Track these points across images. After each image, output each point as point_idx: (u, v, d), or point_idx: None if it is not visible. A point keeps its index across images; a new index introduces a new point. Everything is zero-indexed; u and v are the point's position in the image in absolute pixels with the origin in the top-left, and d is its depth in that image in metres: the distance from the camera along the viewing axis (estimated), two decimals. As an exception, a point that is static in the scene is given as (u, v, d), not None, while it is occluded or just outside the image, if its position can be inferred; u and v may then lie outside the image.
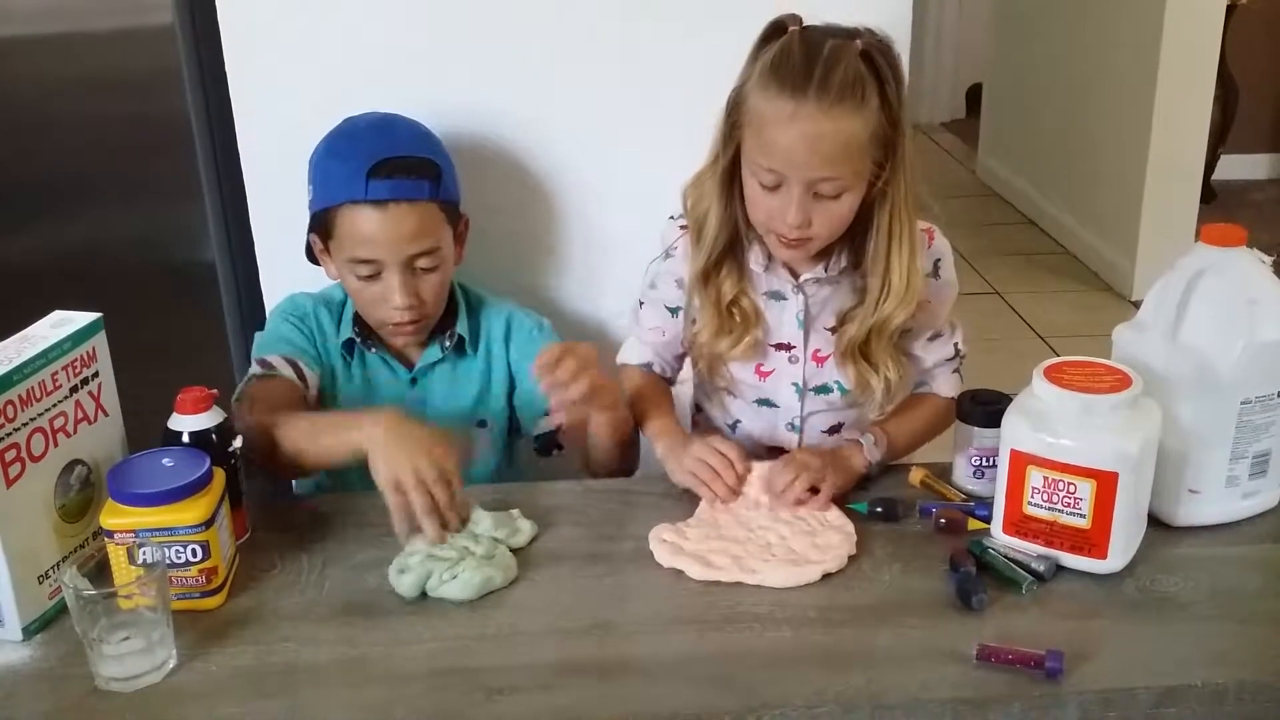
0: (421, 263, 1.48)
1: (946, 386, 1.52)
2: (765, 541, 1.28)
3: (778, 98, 1.28)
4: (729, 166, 1.37)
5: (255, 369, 1.51)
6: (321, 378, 1.54)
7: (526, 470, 1.65)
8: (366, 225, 1.45)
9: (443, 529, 1.25)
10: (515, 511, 1.31)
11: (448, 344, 1.58)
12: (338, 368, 1.58)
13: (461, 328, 1.59)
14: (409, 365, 1.59)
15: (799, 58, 1.28)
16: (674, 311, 1.51)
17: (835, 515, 1.32)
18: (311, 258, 1.58)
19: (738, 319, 1.44)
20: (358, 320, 1.56)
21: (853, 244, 1.41)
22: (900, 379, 1.46)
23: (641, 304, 1.55)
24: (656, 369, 1.55)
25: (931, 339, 1.50)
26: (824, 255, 1.43)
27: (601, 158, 1.74)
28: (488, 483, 1.51)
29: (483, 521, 1.28)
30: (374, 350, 1.57)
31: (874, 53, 1.29)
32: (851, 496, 1.37)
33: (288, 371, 1.49)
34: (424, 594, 1.20)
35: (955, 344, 1.52)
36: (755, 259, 1.43)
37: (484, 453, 1.62)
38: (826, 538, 1.28)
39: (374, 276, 1.48)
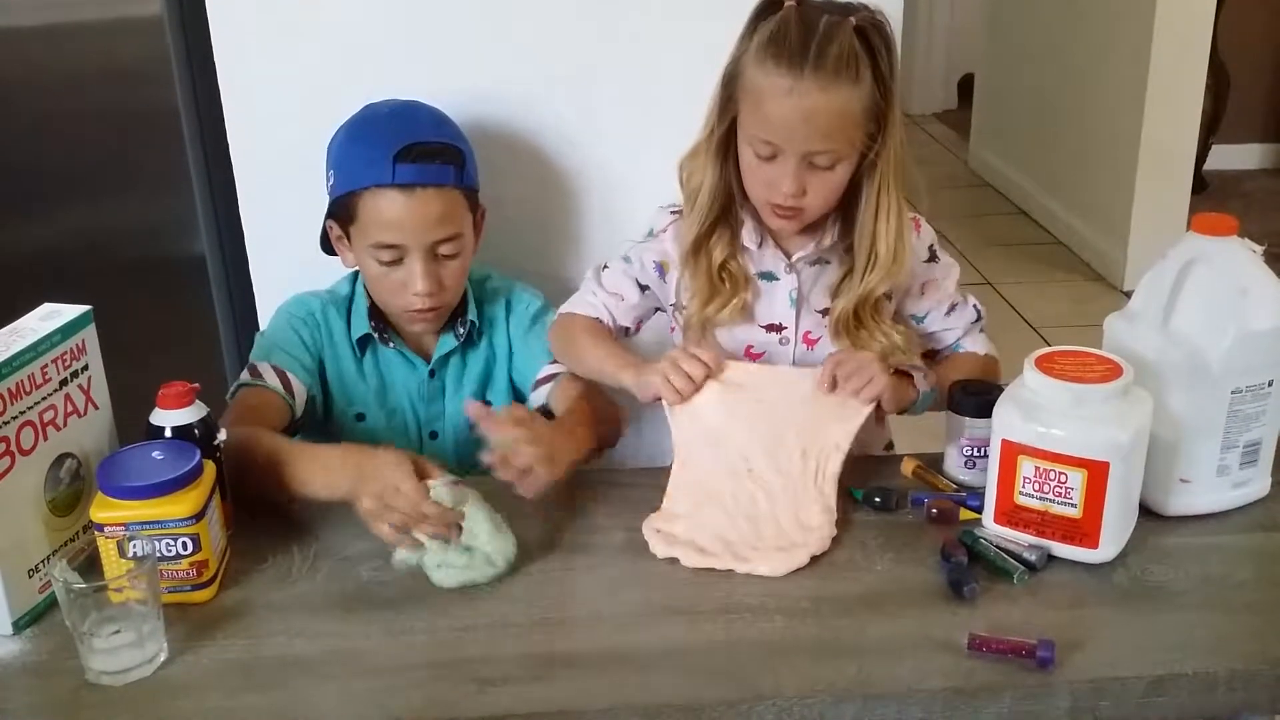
0: (444, 249, 1.48)
1: (978, 346, 1.55)
2: (753, 514, 1.27)
3: (775, 73, 1.31)
4: (724, 137, 1.40)
5: (245, 376, 1.50)
6: (312, 386, 1.53)
7: None
8: (392, 210, 1.45)
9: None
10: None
11: (461, 331, 1.58)
12: (347, 367, 1.57)
13: (473, 314, 1.59)
14: (426, 357, 1.59)
15: (796, 33, 1.31)
16: (643, 289, 1.52)
17: (828, 487, 1.30)
18: (327, 247, 1.57)
19: (727, 284, 1.45)
20: (373, 314, 1.56)
21: (843, 219, 1.44)
22: (903, 345, 1.46)
23: (606, 267, 1.55)
24: (604, 324, 1.53)
25: (949, 311, 1.53)
26: (815, 231, 1.45)
27: (624, 144, 1.73)
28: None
29: (480, 534, 1.24)
30: (391, 345, 1.57)
31: (868, 29, 1.32)
32: (849, 483, 1.36)
33: (274, 383, 1.48)
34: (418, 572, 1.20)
35: (974, 304, 1.55)
36: (749, 236, 1.46)
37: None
38: (809, 512, 1.28)
39: (396, 263, 1.48)
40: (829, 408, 1.35)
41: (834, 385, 1.34)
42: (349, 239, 1.52)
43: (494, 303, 1.63)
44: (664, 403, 1.36)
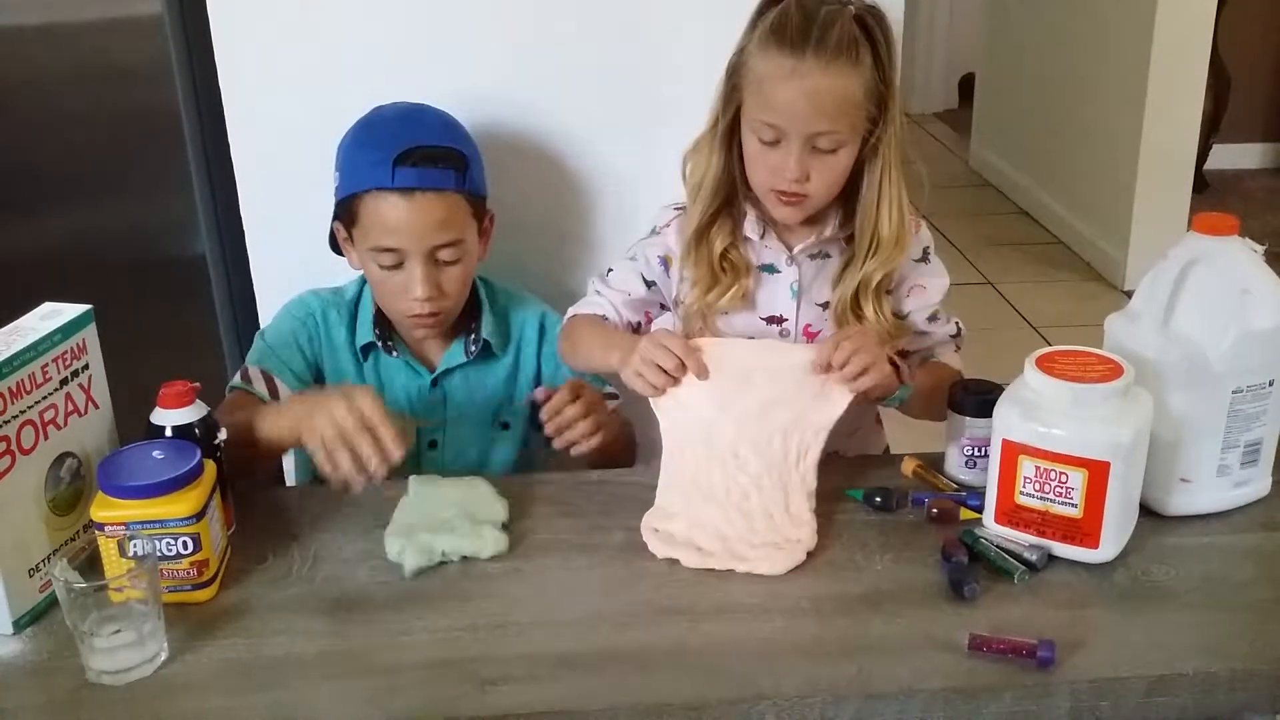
0: (444, 254, 1.48)
1: (952, 361, 1.55)
2: (746, 508, 1.27)
3: (778, 56, 1.35)
4: (728, 128, 1.43)
5: (236, 379, 1.51)
6: (308, 388, 1.53)
7: (541, 469, 1.64)
8: (391, 213, 1.45)
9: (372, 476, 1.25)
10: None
11: (473, 348, 1.58)
12: (346, 370, 1.57)
13: (487, 330, 1.58)
14: (430, 367, 1.58)
15: (797, 20, 1.35)
16: (649, 285, 1.53)
17: (810, 475, 1.30)
18: (335, 247, 1.57)
19: (728, 272, 1.47)
20: (378, 321, 1.56)
21: (844, 211, 1.46)
22: (897, 331, 1.47)
23: (611, 270, 1.56)
24: (609, 322, 1.53)
25: (931, 319, 1.53)
26: (816, 224, 1.46)
27: (632, 147, 1.73)
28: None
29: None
30: (395, 354, 1.57)
31: (866, 16, 1.37)
32: (848, 485, 1.36)
33: (261, 390, 1.49)
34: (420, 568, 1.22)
35: (956, 321, 1.55)
36: (751, 227, 1.47)
37: (503, 452, 1.61)
38: (797, 501, 1.28)
39: (396, 266, 1.48)
40: (814, 385, 1.33)
41: (828, 369, 1.32)
42: (353, 241, 1.52)
43: (523, 320, 1.62)
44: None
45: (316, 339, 1.56)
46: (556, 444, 1.41)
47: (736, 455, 1.31)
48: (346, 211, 1.50)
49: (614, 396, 1.62)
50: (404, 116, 1.52)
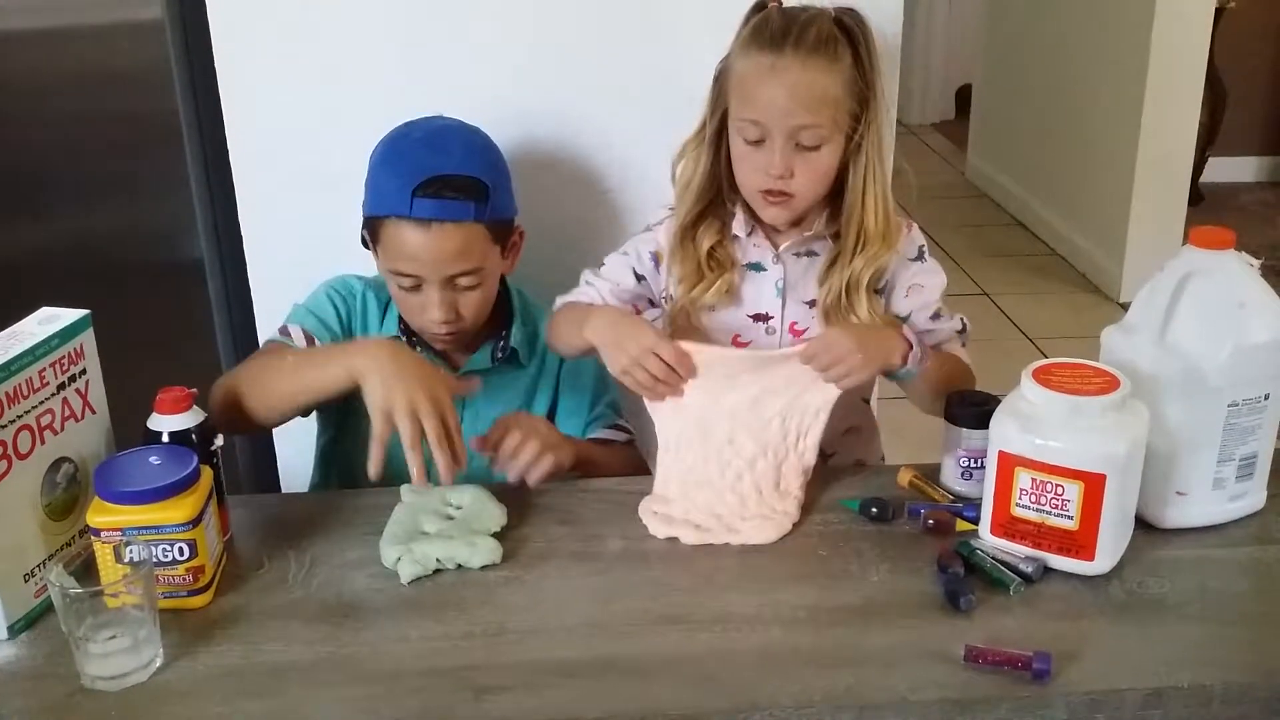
0: (462, 281, 1.48)
1: (959, 354, 1.54)
2: (738, 488, 1.32)
3: (758, 55, 1.39)
4: (715, 132, 1.46)
5: (275, 334, 1.52)
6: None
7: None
8: (409, 241, 1.45)
9: (424, 468, 1.25)
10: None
11: (500, 355, 1.58)
12: None
13: (516, 339, 1.58)
14: (453, 365, 1.58)
15: (777, 22, 1.40)
16: (639, 279, 1.55)
17: (810, 454, 1.34)
18: (367, 247, 1.57)
19: (714, 268, 1.48)
20: (404, 318, 1.56)
21: (830, 210, 1.48)
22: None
23: (603, 264, 1.57)
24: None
25: (934, 317, 1.53)
26: (802, 222, 1.49)
27: (637, 150, 1.73)
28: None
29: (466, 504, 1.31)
30: (419, 349, 1.56)
31: (845, 17, 1.41)
32: (845, 494, 1.37)
33: (300, 346, 1.49)
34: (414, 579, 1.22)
35: (960, 318, 1.56)
36: (739, 225, 1.49)
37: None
38: (789, 478, 1.33)
39: (415, 289, 1.48)
40: (805, 376, 1.35)
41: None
42: (377, 255, 1.53)
43: None
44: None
45: (355, 319, 1.57)
46: (511, 478, 1.38)
47: (732, 442, 1.35)
48: (370, 228, 1.51)
49: (626, 430, 1.62)
50: (430, 139, 1.50)
